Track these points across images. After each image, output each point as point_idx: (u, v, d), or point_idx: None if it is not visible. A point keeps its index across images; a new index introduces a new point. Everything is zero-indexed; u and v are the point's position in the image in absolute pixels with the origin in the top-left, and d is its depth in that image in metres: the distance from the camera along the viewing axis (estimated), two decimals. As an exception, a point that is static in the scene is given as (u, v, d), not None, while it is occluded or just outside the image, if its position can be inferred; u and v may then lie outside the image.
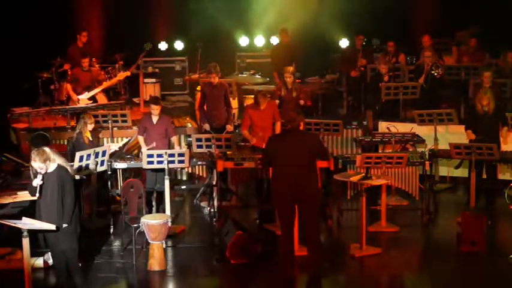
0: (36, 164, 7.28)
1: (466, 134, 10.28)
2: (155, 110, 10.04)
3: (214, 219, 9.91)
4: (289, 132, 8.28)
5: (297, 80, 12.11)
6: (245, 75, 14.67)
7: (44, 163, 7.28)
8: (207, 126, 11.11)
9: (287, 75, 11.24)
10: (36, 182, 7.29)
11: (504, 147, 10.39)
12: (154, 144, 9.90)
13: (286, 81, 11.25)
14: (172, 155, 9.39)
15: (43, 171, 7.31)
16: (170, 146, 10.14)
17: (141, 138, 10.15)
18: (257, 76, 14.44)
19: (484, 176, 10.19)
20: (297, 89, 11.31)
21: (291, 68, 11.37)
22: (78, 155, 9.25)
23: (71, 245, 7.49)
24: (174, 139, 10.21)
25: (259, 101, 10.37)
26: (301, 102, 11.24)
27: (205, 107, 11.28)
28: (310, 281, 8.17)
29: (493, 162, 9.95)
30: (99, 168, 9.63)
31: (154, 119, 10.09)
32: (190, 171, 11.00)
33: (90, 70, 12.75)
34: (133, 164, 9.91)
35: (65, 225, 7.35)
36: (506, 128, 10.30)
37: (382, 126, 11.67)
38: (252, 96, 12.75)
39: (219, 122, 11.17)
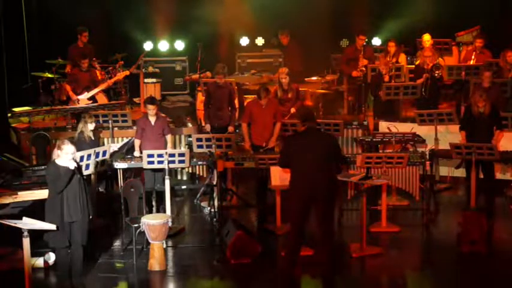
0: (71, 148, 7.57)
1: (460, 135, 10.32)
2: (151, 110, 10.03)
3: (215, 219, 9.91)
4: (307, 131, 8.19)
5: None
6: (245, 75, 14.68)
7: (74, 151, 7.68)
8: (207, 127, 11.11)
9: (282, 76, 11.24)
10: (73, 164, 7.59)
11: (502, 148, 10.38)
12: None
13: (282, 82, 11.26)
14: (172, 155, 9.39)
15: (73, 158, 7.64)
16: (165, 143, 10.16)
17: (137, 142, 10.11)
18: (257, 76, 14.44)
19: (481, 176, 10.19)
20: (292, 90, 11.31)
21: (285, 69, 11.37)
22: (78, 154, 9.24)
23: (85, 240, 7.85)
24: (168, 137, 10.22)
25: (261, 95, 10.35)
26: (292, 110, 11.26)
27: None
28: (323, 282, 8.15)
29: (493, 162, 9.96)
30: (99, 168, 9.63)
31: (152, 120, 10.08)
32: (190, 171, 10.99)
33: (90, 70, 12.74)
34: (133, 164, 9.91)
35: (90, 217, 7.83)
36: (498, 132, 10.29)
37: (383, 126, 11.67)
38: (253, 96, 12.77)
39: (221, 122, 11.16)
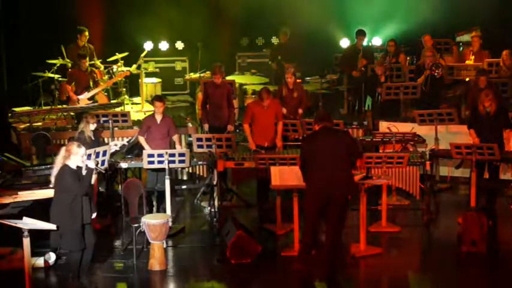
0: (82, 149, 7.66)
1: (469, 133, 10.26)
2: (159, 107, 10.04)
3: (215, 219, 9.90)
4: (322, 131, 8.16)
5: (298, 80, 12.12)
6: (245, 75, 14.68)
7: (85, 152, 7.81)
8: (206, 127, 11.11)
9: (288, 76, 11.24)
10: (92, 163, 7.74)
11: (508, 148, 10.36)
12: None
13: (287, 81, 11.26)
14: (172, 155, 9.38)
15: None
16: (171, 144, 10.14)
17: (142, 139, 10.13)
18: (257, 76, 14.45)
19: (486, 176, 10.18)
20: (298, 89, 11.32)
21: (292, 69, 11.37)
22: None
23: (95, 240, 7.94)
24: (175, 137, 10.24)
25: (263, 96, 10.33)
26: (300, 111, 11.26)
27: (207, 107, 11.28)
28: (327, 283, 8.14)
29: (494, 162, 9.94)
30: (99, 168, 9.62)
31: (158, 118, 10.08)
32: (190, 171, 10.99)
33: (90, 70, 12.74)
34: (133, 164, 9.91)
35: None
36: (508, 131, 10.26)
37: (383, 126, 11.67)
38: (253, 96, 12.80)
39: (221, 122, 11.14)
